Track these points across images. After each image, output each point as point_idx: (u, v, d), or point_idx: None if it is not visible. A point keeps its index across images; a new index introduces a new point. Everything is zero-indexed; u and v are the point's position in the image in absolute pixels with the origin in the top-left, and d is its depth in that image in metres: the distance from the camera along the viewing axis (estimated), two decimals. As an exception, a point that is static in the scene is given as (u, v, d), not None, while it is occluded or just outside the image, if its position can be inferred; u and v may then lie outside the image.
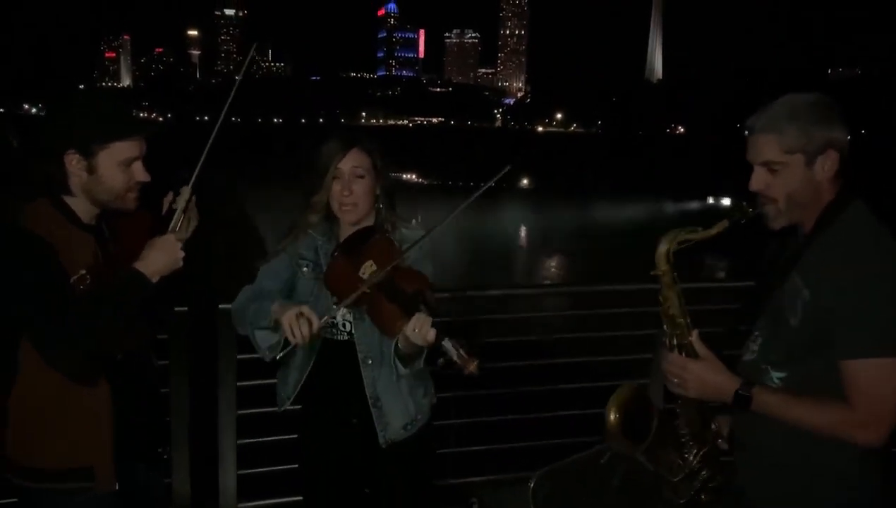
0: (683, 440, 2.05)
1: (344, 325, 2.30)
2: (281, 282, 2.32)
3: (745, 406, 1.85)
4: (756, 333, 2.01)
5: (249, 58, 2.27)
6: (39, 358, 1.91)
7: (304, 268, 2.30)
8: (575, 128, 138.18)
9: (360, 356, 2.29)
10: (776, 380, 1.91)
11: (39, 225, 1.91)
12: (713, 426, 2.06)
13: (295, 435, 3.43)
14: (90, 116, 1.97)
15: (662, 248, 1.95)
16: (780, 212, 1.90)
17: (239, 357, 3.24)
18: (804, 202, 1.89)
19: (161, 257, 1.97)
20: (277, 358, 2.17)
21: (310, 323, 2.03)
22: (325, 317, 2.07)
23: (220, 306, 3.16)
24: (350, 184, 2.24)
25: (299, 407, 2.44)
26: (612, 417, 2.05)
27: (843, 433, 1.79)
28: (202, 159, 2.05)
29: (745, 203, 1.93)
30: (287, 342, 2.08)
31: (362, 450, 2.35)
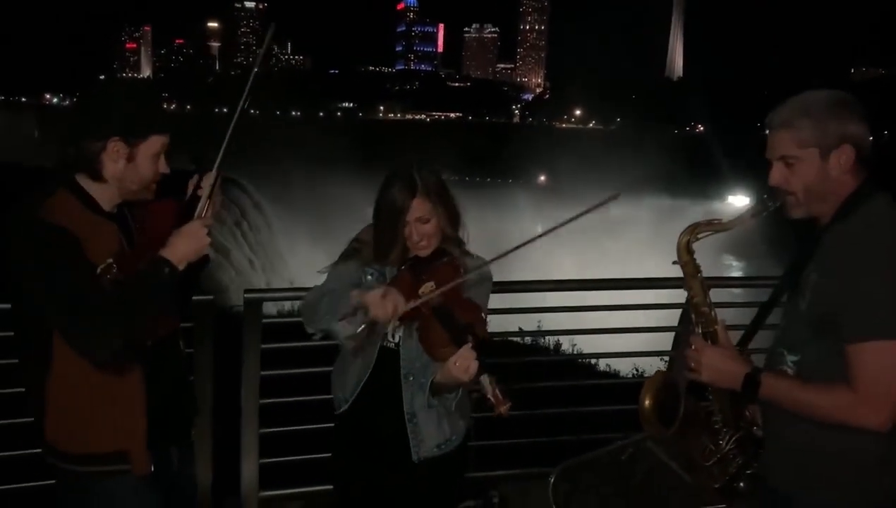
0: (717, 426, 2.11)
1: (393, 335, 2.31)
2: (347, 286, 2.30)
3: (754, 391, 1.92)
4: (782, 321, 2.08)
5: (269, 37, 2.26)
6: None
7: (369, 277, 2.32)
8: (593, 124, 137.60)
9: (402, 371, 2.29)
10: (790, 363, 1.97)
11: (61, 216, 1.91)
12: (747, 413, 2.11)
13: (316, 425, 3.46)
14: (139, 107, 2.01)
15: (683, 239, 2.06)
16: (798, 203, 1.96)
17: (263, 346, 3.26)
18: (822, 194, 1.94)
19: (187, 244, 1.98)
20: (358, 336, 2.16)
21: (395, 306, 2.05)
22: (412, 303, 2.08)
23: (245, 294, 3.17)
24: (419, 229, 2.25)
25: (348, 407, 2.40)
26: (646, 403, 2.15)
27: (845, 415, 1.83)
28: (226, 142, 2.04)
29: (765, 196, 2.00)
30: (367, 326, 2.09)
31: (394, 463, 2.35)
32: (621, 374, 7.88)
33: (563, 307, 3.83)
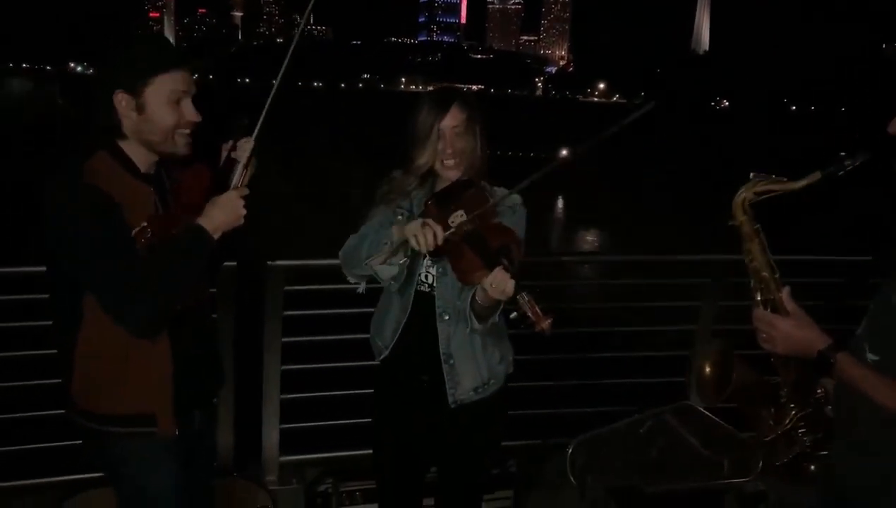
0: (782, 400, 1.94)
1: (426, 277, 2.31)
2: (384, 228, 2.29)
3: (826, 369, 1.72)
4: (872, 307, 1.82)
5: (308, 11, 2.20)
6: (101, 310, 1.91)
7: (399, 217, 2.30)
8: (617, 98, 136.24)
9: (437, 310, 2.28)
10: (870, 361, 1.75)
11: (101, 178, 1.90)
12: (819, 391, 1.93)
13: (336, 392, 3.50)
14: (132, 54, 1.94)
15: (739, 197, 1.84)
16: None
17: (285, 313, 3.29)
18: None
19: (223, 214, 1.96)
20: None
21: (434, 233, 2.04)
22: (450, 230, 2.07)
23: (268, 262, 3.20)
24: (452, 142, 2.24)
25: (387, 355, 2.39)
26: (706, 370, 2.05)
27: None
28: (265, 110, 2.01)
29: (843, 154, 1.75)
30: (409, 253, 2.11)
31: (430, 409, 2.35)
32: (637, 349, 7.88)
33: (581, 280, 3.83)
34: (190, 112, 1.99)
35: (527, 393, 3.76)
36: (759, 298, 1.84)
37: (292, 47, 2.07)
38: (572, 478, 3.43)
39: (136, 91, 1.93)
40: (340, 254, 2.32)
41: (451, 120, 2.23)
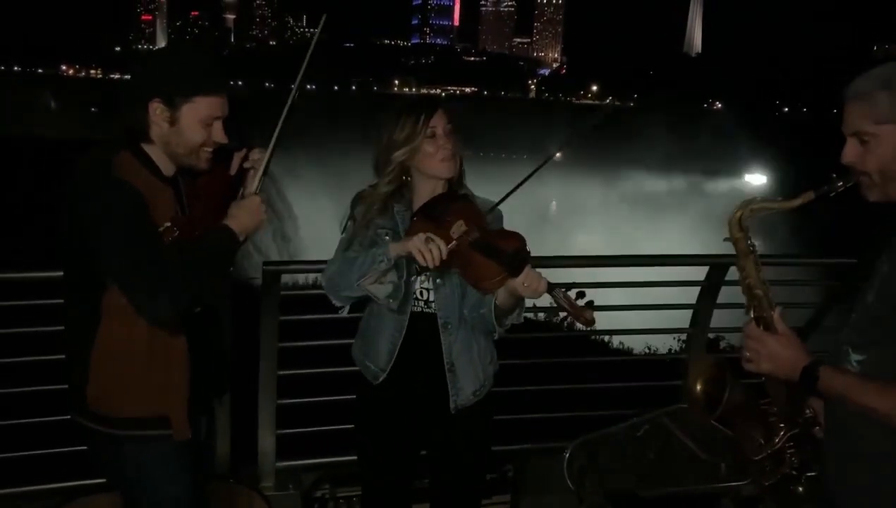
0: (772, 419, 1.95)
1: (421, 293, 2.29)
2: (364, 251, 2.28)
3: (812, 385, 1.75)
4: (852, 314, 1.87)
5: (320, 28, 2.23)
6: (121, 309, 1.92)
7: (386, 237, 2.26)
8: (610, 100, 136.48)
9: (440, 321, 2.27)
10: (854, 363, 1.79)
11: (130, 174, 1.92)
12: (808, 411, 1.95)
13: (334, 397, 3.49)
14: (180, 68, 1.98)
15: (736, 214, 1.87)
16: (873, 184, 1.76)
17: (281, 318, 3.27)
18: None
19: (249, 217, 2.03)
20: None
21: (439, 247, 2.01)
22: (453, 243, 2.05)
23: (264, 267, 3.19)
24: (447, 143, 2.22)
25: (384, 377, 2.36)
26: (697, 388, 2.03)
27: None
28: (282, 119, 2.06)
29: (834, 175, 1.81)
30: (410, 270, 2.11)
31: (428, 417, 2.35)
32: (634, 352, 7.89)
33: (578, 283, 3.82)
34: (219, 134, 2.03)
35: (525, 397, 3.76)
36: (752, 315, 1.86)
37: (307, 59, 2.19)
38: (570, 482, 3.42)
39: (174, 104, 1.96)
40: (324, 280, 2.30)
41: (442, 119, 2.23)
